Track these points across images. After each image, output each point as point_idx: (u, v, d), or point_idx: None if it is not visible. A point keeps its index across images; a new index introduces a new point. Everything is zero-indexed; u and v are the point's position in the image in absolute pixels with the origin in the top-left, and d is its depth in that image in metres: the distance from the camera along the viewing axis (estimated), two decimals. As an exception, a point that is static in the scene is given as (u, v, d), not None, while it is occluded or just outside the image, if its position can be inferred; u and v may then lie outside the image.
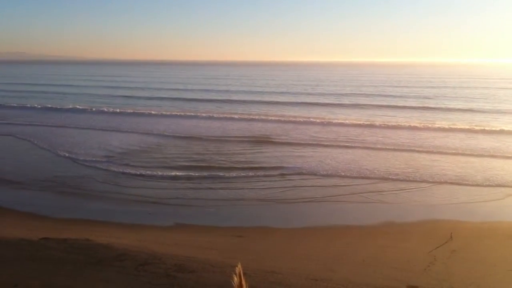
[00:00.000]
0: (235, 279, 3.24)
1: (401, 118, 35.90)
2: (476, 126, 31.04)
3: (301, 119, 35.03)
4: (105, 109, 42.38)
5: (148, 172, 19.56)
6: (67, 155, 22.83)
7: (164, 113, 39.63)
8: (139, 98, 54.61)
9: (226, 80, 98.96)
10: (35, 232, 11.14)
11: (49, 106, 45.05)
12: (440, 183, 17.82)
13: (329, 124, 32.84)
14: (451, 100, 50.14)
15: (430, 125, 31.55)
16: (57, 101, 49.82)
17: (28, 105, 45.61)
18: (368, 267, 9.96)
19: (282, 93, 61.55)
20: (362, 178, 18.62)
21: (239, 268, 3.28)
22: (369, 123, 32.96)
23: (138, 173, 19.54)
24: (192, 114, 38.79)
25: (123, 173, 19.62)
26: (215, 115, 37.84)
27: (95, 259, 8.51)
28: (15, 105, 46.29)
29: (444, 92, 62.30)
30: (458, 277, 9.48)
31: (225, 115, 37.82)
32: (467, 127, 30.69)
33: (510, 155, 22.34)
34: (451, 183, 17.76)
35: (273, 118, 35.85)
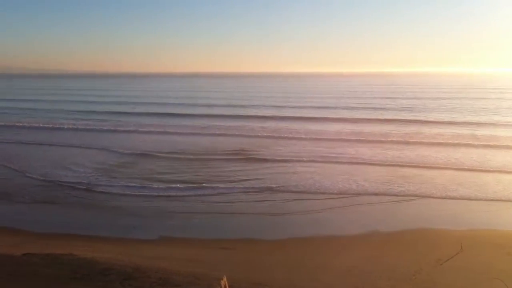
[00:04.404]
0: (220, 291, 3.24)
1: (387, 131, 35.95)
2: (461, 139, 31.17)
3: (286, 134, 34.82)
4: (78, 126, 41.50)
5: (131, 186, 19.46)
6: (46, 171, 22.52)
7: (144, 129, 38.85)
8: (120, 113, 52.53)
9: (215, 93, 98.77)
10: (17, 247, 10.97)
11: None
12: (426, 195, 17.92)
13: (315, 139, 32.60)
14: (437, 112, 50.22)
15: (415, 139, 31.64)
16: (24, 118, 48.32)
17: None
18: (353, 277, 9.98)
19: (271, 106, 60.69)
20: (347, 191, 18.65)
21: (224, 281, 3.28)
22: (355, 137, 32.82)
23: (121, 186, 19.47)
24: (175, 130, 38.13)
25: (106, 187, 19.47)
26: (199, 131, 37.18)
27: (79, 274, 8.40)
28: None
29: (428, 103, 62.71)
30: (443, 286, 9.55)
31: (209, 131, 37.21)
32: (452, 140, 30.74)
33: (493, 168, 22.51)
34: (437, 196, 17.86)
35: (257, 133, 35.34)
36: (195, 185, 19.57)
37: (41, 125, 42.41)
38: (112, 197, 18.19)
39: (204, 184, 19.63)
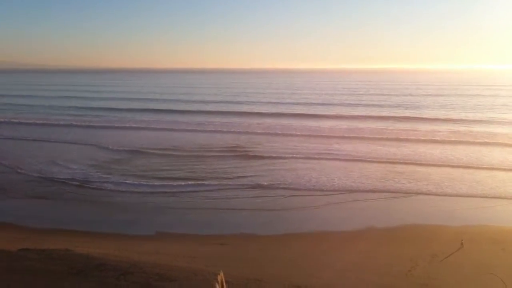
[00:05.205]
0: (217, 287, 3.23)
1: (382, 127, 35.99)
2: (457, 136, 31.20)
3: (281, 130, 34.73)
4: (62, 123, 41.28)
5: (127, 182, 19.43)
6: (40, 167, 22.48)
7: (139, 125, 38.73)
8: (114, 110, 52.24)
9: (208, 89, 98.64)
10: (13, 243, 10.95)
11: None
12: (422, 192, 17.96)
13: (310, 135, 32.52)
14: (432, 109, 50.06)
15: (410, 136, 31.66)
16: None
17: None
18: (350, 273, 10.01)
19: (266, 103, 60.39)
20: (343, 187, 18.68)
21: (221, 276, 3.28)
22: (351, 134, 32.77)
23: (116, 182, 19.44)
24: (171, 126, 37.98)
25: (101, 183, 19.43)
26: (194, 127, 36.97)
27: (75, 270, 8.38)
28: None
29: (423, 100, 62.79)
30: (439, 282, 9.59)
31: (204, 127, 37.02)
32: (448, 137, 30.75)
33: (489, 165, 22.55)
34: (433, 192, 17.91)
35: (253, 130, 35.32)
36: (191, 181, 19.56)
37: (35, 121, 42.09)
38: (107, 193, 18.15)
39: (200, 181, 19.63)
